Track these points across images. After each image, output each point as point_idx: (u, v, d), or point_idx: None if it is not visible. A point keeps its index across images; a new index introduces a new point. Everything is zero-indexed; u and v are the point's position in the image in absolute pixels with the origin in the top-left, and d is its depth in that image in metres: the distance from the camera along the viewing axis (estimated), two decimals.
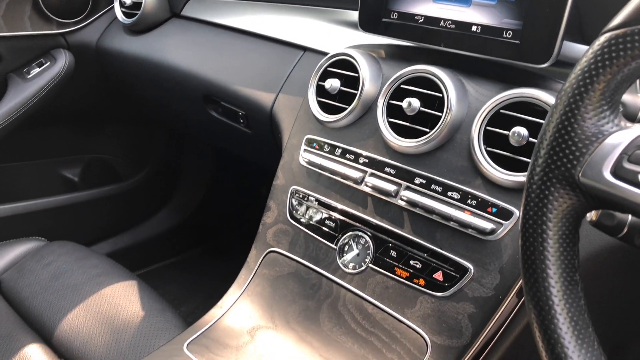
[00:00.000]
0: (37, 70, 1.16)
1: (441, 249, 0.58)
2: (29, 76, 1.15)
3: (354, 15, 0.78)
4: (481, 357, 0.54)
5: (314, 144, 0.72)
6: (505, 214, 0.55)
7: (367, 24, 0.70)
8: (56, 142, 1.38)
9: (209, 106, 1.02)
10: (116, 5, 1.15)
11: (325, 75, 0.73)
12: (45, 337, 0.79)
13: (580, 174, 0.33)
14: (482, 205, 0.56)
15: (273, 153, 0.86)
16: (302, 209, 0.71)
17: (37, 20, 1.15)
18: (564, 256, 0.35)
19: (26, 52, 1.17)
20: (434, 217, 0.59)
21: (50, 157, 1.39)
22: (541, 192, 0.35)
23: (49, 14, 1.15)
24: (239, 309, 0.68)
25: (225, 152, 1.51)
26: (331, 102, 0.72)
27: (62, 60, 1.18)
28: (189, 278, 1.55)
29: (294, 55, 0.87)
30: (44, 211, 1.28)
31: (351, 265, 0.64)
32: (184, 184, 1.59)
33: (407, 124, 0.63)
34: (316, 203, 0.69)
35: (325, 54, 0.82)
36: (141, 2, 1.10)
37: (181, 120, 1.22)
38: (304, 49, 0.86)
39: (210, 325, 0.66)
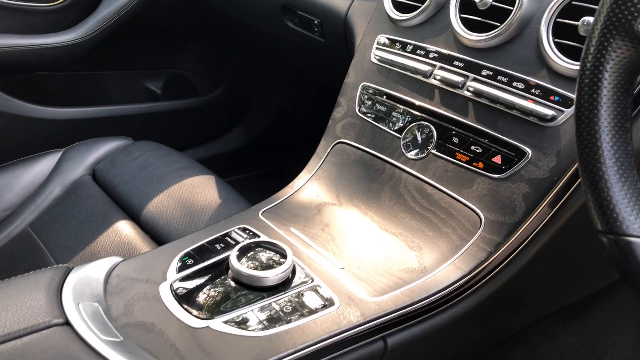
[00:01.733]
0: None
1: (502, 134, 0.61)
2: None
3: None
4: (532, 234, 0.58)
5: (386, 42, 0.76)
6: (567, 102, 0.57)
7: None
8: (142, 55, 1.48)
9: (286, 16, 1.07)
10: None
11: None
12: (134, 216, 0.89)
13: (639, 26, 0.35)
14: (546, 93, 0.58)
15: (344, 65, 0.90)
16: (370, 103, 0.75)
17: None
18: (616, 104, 0.38)
19: None
20: (497, 105, 0.62)
21: (137, 69, 1.49)
22: (601, 43, 0.37)
23: None
24: (308, 189, 0.75)
25: (296, 74, 1.56)
26: (406, 1, 0.75)
27: None
28: (257, 194, 1.65)
29: None
30: (130, 116, 1.39)
31: (414, 152, 0.68)
32: (256, 104, 1.67)
33: (479, 18, 0.65)
34: (384, 97, 0.74)
35: None
36: None
37: (258, 36, 1.28)
38: None
39: (283, 200, 0.73)
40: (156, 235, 0.85)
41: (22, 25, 1.19)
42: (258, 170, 1.75)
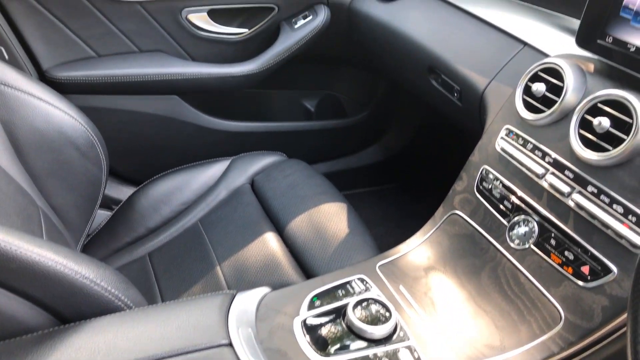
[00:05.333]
0: (302, 21, 1.45)
1: (594, 249, 0.70)
2: (295, 26, 1.45)
3: (575, 23, 0.86)
4: (604, 342, 0.67)
5: (511, 134, 0.86)
6: None
7: (582, 41, 0.79)
8: (303, 77, 1.70)
9: (431, 76, 1.19)
10: None
11: (534, 78, 0.85)
12: (279, 228, 1.08)
13: None
14: None
15: (476, 128, 1.01)
16: (487, 186, 0.87)
17: None
18: None
19: (296, 5, 1.46)
20: (595, 221, 0.71)
21: (297, 89, 1.72)
22: None
23: None
24: (421, 250, 0.89)
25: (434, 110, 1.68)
26: (534, 102, 0.84)
27: (322, 15, 1.45)
28: (383, 206, 1.82)
29: (513, 47, 0.99)
30: (287, 132, 1.63)
31: (516, 241, 0.79)
32: (394, 127, 1.82)
33: (594, 138, 0.74)
34: (500, 185, 0.85)
35: (542, 52, 0.92)
36: None
37: (404, 80, 1.42)
38: (524, 43, 0.97)
39: (397, 257, 0.88)
40: (294, 251, 1.04)
41: (215, 52, 1.46)
42: (391, 184, 1.91)
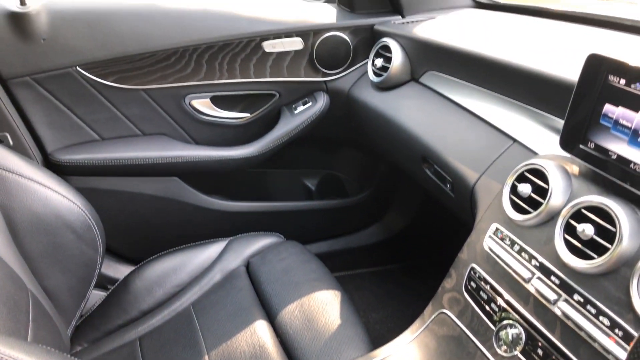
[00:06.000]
0: (302, 107, 1.49)
1: None
2: (295, 111, 1.49)
3: (561, 124, 0.87)
4: None
5: (499, 234, 0.86)
6: None
7: (566, 145, 0.80)
8: (303, 156, 1.73)
9: (425, 165, 1.20)
10: (369, 65, 1.40)
11: (521, 177, 0.85)
12: (271, 317, 1.07)
13: None
14: (627, 338, 0.64)
15: (469, 221, 1.01)
16: (475, 286, 0.85)
17: (309, 69, 1.48)
18: None
19: (296, 92, 1.51)
20: (582, 333, 0.68)
21: (297, 168, 1.74)
22: None
23: (318, 66, 1.47)
24: (408, 352, 0.86)
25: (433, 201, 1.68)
26: (520, 202, 0.84)
27: (322, 101, 1.49)
28: (383, 288, 1.79)
29: (503, 143, 1.00)
30: (285, 212, 1.63)
31: (504, 347, 0.77)
32: (396, 207, 1.82)
33: (579, 245, 0.72)
34: (488, 286, 0.83)
35: (530, 150, 0.93)
36: (388, 67, 1.33)
37: (401, 164, 1.43)
38: (513, 140, 0.98)
39: (386, 357, 0.86)
40: (284, 342, 1.02)
41: (216, 135, 1.50)
42: (391, 265, 1.88)
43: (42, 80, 1.27)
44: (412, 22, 1.38)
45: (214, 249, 1.28)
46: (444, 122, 1.16)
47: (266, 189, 1.72)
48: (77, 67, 1.29)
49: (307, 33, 1.43)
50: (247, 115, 1.50)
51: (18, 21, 1.21)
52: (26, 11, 1.21)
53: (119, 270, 1.50)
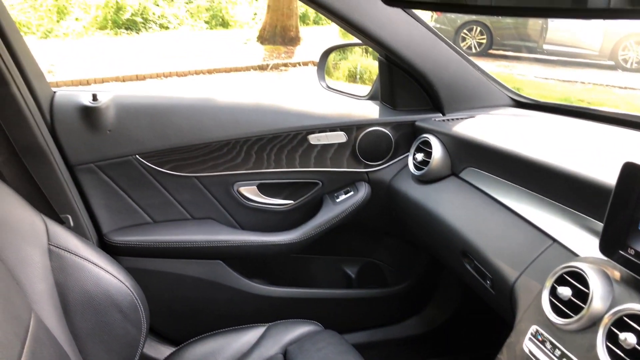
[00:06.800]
0: (343, 196, 1.54)
1: None
2: (337, 200, 1.54)
3: (600, 226, 0.87)
4: None
5: (539, 336, 0.84)
6: None
7: (605, 249, 0.80)
8: (344, 243, 1.76)
9: (465, 259, 1.21)
10: (410, 159, 1.45)
11: (560, 280, 0.85)
12: None
13: None
14: None
15: (509, 317, 0.99)
16: None
17: (351, 160, 1.54)
18: None
19: (339, 181, 1.57)
20: None
21: (337, 255, 1.77)
22: None
23: (360, 157, 1.53)
24: None
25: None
26: (561, 305, 0.83)
27: (363, 191, 1.54)
28: None
29: (542, 242, 1.00)
30: (325, 299, 1.64)
31: None
32: (437, 299, 1.79)
33: (622, 354, 0.70)
34: None
35: (571, 251, 0.93)
36: (429, 161, 1.37)
37: (441, 257, 1.43)
38: (553, 240, 0.98)
39: None
40: None
41: (261, 220, 1.55)
42: (433, 359, 1.82)
43: (104, 167, 1.38)
44: (453, 119, 1.44)
45: (252, 334, 1.30)
46: (484, 218, 1.17)
47: (306, 275, 1.74)
48: (137, 156, 1.39)
49: (350, 127, 1.50)
50: (291, 202, 1.56)
51: (89, 114, 1.34)
52: (97, 105, 1.34)
53: (159, 351, 1.52)
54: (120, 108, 1.38)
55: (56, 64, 7.21)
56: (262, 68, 8.17)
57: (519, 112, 1.49)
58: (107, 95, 1.38)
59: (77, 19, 9.55)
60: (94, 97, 1.35)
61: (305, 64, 8.50)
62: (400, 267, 1.78)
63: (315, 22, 12.11)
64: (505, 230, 1.10)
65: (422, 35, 1.42)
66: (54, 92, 1.37)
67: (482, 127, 1.36)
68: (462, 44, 8.61)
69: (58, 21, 9.46)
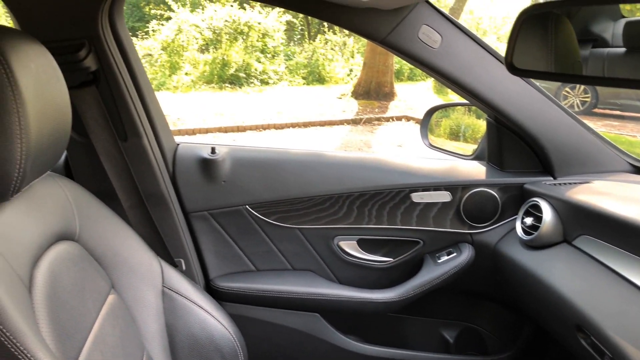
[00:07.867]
0: (445, 257, 1.51)
1: None
2: (439, 260, 1.51)
3: None
4: None
5: None
6: None
7: None
8: (443, 306, 1.70)
9: (579, 334, 1.12)
10: (518, 223, 1.40)
11: None
12: None
13: None
14: None
15: None
16: None
17: (455, 221, 1.51)
18: None
19: (441, 242, 1.54)
20: None
21: (436, 317, 1.71)
22: None
23: (464, 218, 1.50)
24: None
25: None
26: None
27: (467, 253, 1.50)
28: None
29: None
30: None
31: None
32: None
33: None
34: None
35: None
36: (539, 226, 1.31)
37: (550, 329, 1.34)
38: None
39: None
40: None
41: (359, 276, 1.56)
42: None
43: (216, 215, 1.46)
44: (565, 184, 1.38)
45: None
46: (602, 290, 1.10)
47: (402, 336, 1.69)
48: (247, 206, 1.46)
49: (456, 187, 1.49)
50: (390, 259, 1.55)
51: (207, 166, 1.43)
52: (215, 158, 1.43)
53: None
54: (235, 161, 1.47)
55: (182, 118, 7.81)
56: (355, 122, 8.34)
57: (639, 179, 1.40)
58: (224, 149, 1.48)
59: (187, 73, 10.35)
60: (213, 150, 1.45)
61: (399, 118, 8.58)
62: (502, 335, 1.69)
63: (409, 79, 12.25)
64: (627, 305, 1.02)
65: (532, 96, 1.39)
66: (178, 144, 1.49)
67: (599, 193, 1.29)
68: (563, 102, 8.29)
69: (170, 75, 10.31)
